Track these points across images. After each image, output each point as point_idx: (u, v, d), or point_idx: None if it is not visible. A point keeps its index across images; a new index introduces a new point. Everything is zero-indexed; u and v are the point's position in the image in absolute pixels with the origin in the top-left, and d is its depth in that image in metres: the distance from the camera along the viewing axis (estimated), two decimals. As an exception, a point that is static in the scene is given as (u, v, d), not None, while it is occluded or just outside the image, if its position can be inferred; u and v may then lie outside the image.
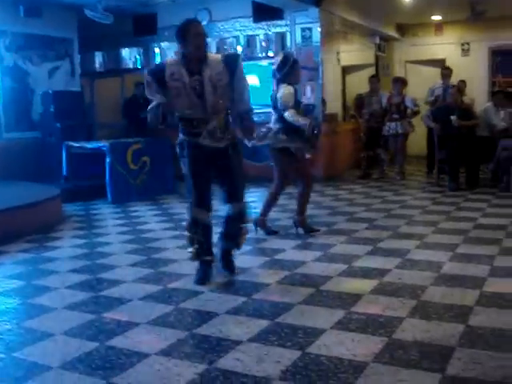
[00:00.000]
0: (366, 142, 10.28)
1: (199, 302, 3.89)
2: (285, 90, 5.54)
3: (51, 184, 8.38)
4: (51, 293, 4.25)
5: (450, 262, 4.62)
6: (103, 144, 8.62)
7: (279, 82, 5.62)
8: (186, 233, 4.41)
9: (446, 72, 10.63)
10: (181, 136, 4.30)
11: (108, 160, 8.38)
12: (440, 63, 12.03)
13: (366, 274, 4.39)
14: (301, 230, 5.89)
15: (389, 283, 4.13)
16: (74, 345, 3.22)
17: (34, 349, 3.20)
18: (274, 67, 5.69)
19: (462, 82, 10.66)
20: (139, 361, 2.99)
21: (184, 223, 4.61)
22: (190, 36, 4.03)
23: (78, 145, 8.94)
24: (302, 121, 5.52)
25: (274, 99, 5.67)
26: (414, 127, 10.03)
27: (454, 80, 10.52)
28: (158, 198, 8.72)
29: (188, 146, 4.25)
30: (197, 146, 4.20)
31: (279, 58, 5.68)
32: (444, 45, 13.37)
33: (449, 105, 9.02)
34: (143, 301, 3.96)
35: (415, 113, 10.01)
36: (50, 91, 9.94)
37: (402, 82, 10.35)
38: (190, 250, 4.37)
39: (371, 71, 12.88)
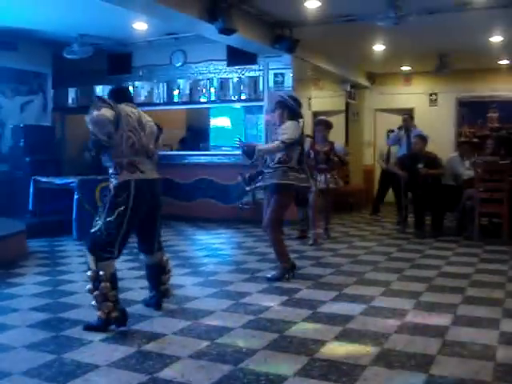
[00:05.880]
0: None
1: (161, 344, 3.83)
2: None
3: (16, 218, 8.26)
4: (11, 331, 4.16)
5: (413, 310, 4.66)
6: (72, 180, 8.55)
7: None
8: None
9: (406, 117, 10.59)
10: None
11: (76, 197, 8.31)
12: (409, 112, 12.30)
13: (331, 319, 4.40)
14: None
15: (353, 330, 4.15)
16: (32, 386, 3.15)
17: (-11, 390, 3.12)
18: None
19: (408, 116, 10.74)
20: (98, 405, 2.93)
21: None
22: None
23: (46, 180, 8.84)
24: None
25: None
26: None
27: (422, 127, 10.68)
28: (125, 236, 8.62)
29: None
30: None
31: None
32: (413, 94, 13.70)
33: (415, 153, 9.16)
34: (104, 342, 3.89)
35: (343, 162, 8.65)
36: (21, 125, 9.92)
37: (325, 125, 8.44)
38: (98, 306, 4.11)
39: (342, 118, 13.12)
